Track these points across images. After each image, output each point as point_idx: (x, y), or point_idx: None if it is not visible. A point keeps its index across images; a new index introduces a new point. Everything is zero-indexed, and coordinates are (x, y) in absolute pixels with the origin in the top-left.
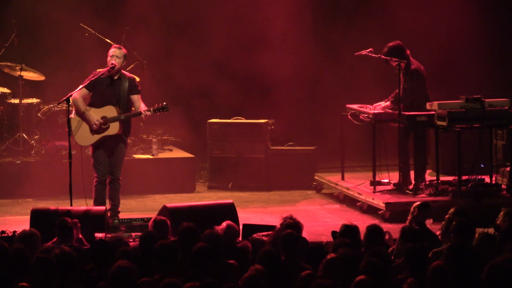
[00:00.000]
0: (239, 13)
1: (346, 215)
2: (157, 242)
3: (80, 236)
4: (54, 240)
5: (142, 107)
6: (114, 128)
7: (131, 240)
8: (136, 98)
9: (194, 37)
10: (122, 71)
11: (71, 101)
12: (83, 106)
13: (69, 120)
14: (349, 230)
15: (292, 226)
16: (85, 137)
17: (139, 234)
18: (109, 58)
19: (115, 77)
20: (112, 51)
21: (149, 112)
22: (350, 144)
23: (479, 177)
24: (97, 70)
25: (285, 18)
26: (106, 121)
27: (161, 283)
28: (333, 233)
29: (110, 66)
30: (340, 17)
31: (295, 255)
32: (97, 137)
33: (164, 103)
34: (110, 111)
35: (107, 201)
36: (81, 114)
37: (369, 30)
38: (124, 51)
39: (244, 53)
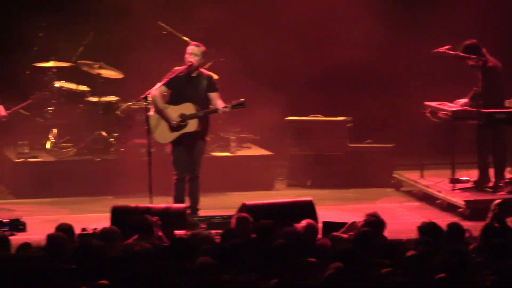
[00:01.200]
0: (312, 8)
1: (426, 213)
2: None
3: (160, 233)
4: (134, 237)
5: (220, 104)
6: (192, 125)
7: None
8: (214, 95)
9: (269, 35)
10: (200, 68)
11: (149, 99)
12: (161, 103)
13: (148, 117)
14: (431, 228)
15: (374, 223)
16: (164, 134)
17: (219, 231)
18: (187, 55)
19: (193, 75)
20: (190, 48)
21: (226, 108)
22: (429, 141)
23: None
24: (176, 68)
25: (361, 12)
26: (184, 118)
27: (238, 280)
28: (419, 229)
29: (188, 64)
30: (418, 12)
31: (371, 253)
32: (175, 134)
33: (242, 99)
34: (188, 108)
35: (187, 199)
36: (159, 112)
37: (445, 24)
38: (202, 48)
39: (321, 49)
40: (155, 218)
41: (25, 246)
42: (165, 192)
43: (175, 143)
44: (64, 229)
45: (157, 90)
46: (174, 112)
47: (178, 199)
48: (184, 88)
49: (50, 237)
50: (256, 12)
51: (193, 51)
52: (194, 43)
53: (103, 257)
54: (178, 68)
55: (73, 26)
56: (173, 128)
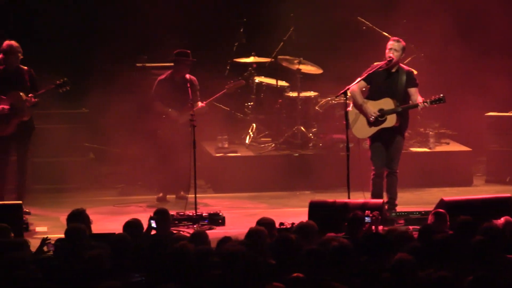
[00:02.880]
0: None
1: None
2: (435, 235)
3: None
4: (343, 233)
5: (419, 100)
6: (391, 121)
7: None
8: (413, 91)
9: (470, 28)
10: (400, 64)
11: (349, 94)
12: (360, 98)
13: (346, 113)
14: None
15: None
16: (362, 129)
17: (417, 227)
18: (387, 51)
19: (393, 70)
20: (390, 44)
21: (426, 104)
22: None
23: None
24: (375, 63)
25: None
26: (383, 114)
27: (434, 276)
28: None
29: (388, 59)
30: None
31: None
32: (374, 129)
33: (441, 94)
34: (387, 103)
35: (384, 194)
36: (358, 107)
37: None
38: (402, 44)
39: None
40: (375, 213)
41: (225, 240)
42: (363, 187)
43: (374, 138)
44: (265, 224)
45: (356, 85)
46: (373, 107)
47: (376, 194)
48: (383, 83)
49: (251, 231)
50: (460, 8)
51: (393, 46)
52: (394, 38)
53: (300, 252)
54: (378, 63)
55: (273, 21)
56: (371, 123)
